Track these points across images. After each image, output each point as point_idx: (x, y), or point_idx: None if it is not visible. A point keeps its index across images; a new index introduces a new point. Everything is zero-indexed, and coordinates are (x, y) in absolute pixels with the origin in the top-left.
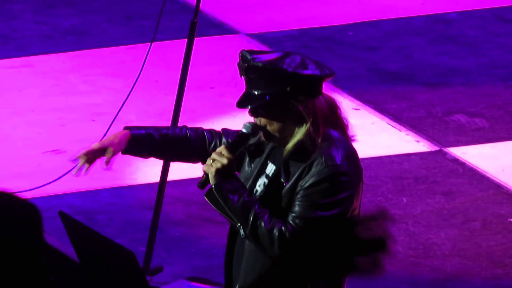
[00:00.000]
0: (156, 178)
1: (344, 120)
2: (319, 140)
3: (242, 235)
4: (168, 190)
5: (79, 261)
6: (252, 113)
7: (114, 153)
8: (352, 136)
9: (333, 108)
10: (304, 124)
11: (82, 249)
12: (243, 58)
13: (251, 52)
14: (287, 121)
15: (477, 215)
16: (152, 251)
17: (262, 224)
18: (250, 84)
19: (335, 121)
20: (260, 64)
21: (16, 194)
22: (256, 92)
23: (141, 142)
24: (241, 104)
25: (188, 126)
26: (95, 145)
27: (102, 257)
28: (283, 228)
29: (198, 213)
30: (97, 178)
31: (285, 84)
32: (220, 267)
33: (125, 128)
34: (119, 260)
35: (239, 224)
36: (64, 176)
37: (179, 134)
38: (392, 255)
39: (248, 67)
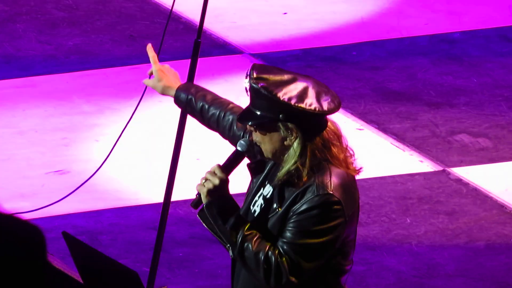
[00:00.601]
0: (160, 198)
1: (348, 152)
2: (305, 173)
3: (231, 256)
4: (172, 210)
5: (83, 281)
6: (249, 128)
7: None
8: (359, 169)
9: (328, 144)
10: (291, 156)
11: (86, 270)
12: (248, 73)
13: (259, 68)
14: (278, 145)
15: (480, 235)
16: (156, 272)
17: (250, 246)
18: (251, 101)
19: (331, 158)
20: (255, 86)
21: (19, 215)
22: (253, 110)
23: (181, 103)
24: (241, 118)
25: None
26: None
27: (106, 277)
28: (269, 252)
29: (202, 234)
30: (101, 198)
31: (278, 111)
32: (223, 287)
33: (185, 84)
34: (123, 281)
35: (228, 245)
36: (67, 197)
37: (214, 115)
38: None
39: (250, 84)
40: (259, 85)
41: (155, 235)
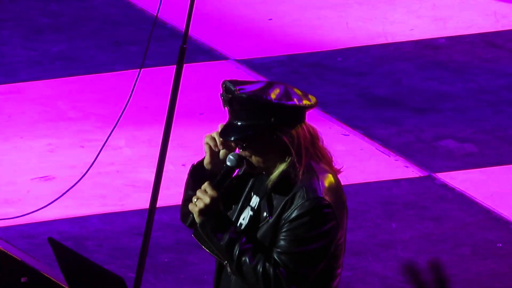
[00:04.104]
0: (145, 204)
1: (328, 153)
2: (301, 171)
3: (230, 272)
4: (158, 216)
5: (69, 287)
6: (236, 144)
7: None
8: (339, 169)
9: (315, 139)
10: (288, 155)
11: (72, 275)
12: (226, 89)
13: (234, 83)
14: (271, 152)
15: (466, 240)
16: (141, 277)
17: (247, 260)
18: (233, 115)
19: (318, 152)
20: (244, 96)
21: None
22: (239, 123)
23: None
24: (225, 135)
25: None
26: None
27: (91, 283)
28: (267, 264)
29: (187, 239)
30: (86, 204)
31: (269, 115)
32: None
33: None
34: (108, 286)
35: (226, 262)
36: (53, 203)
37: None
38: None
39: (232, 98)
40: (247, 94)
41: (141, 241)
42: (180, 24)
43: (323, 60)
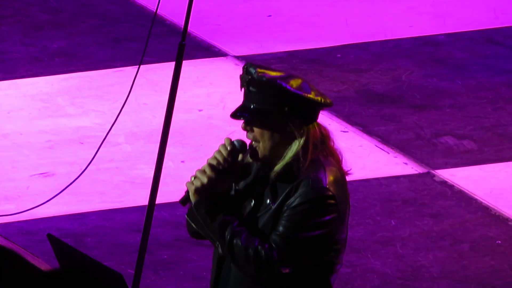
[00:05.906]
0: (145, 201)
1: (339, 154)
2: (306, 166)
3: (221, 253)
4: (157, 212)
5: None
6: (246, 125)
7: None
8: (348, 170)
9: (325, 139)
10: (295, 147)
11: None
12: (247, 70)
13: (256, 65)
14: (279, 141)
15: (465, 237)
16: (140, 274)
17: (239, 242)
18: (249, 97)
19: (327, 151)
20: (264, 79)
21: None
22: (252, 106)
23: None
24: (236, 115)
25: None
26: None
27: (90, 279)
28: (259, 247)
29: (186, 236)
30: (85, 201)
31: (285, 103)
32: None
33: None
34: (108, 283)
35: (217, 243)
36: (52, 199)
37: None
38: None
39: (251, 80)
40: (268, 78)
41: (140, 238)
42: (179, 20)
43: (322, 56)
